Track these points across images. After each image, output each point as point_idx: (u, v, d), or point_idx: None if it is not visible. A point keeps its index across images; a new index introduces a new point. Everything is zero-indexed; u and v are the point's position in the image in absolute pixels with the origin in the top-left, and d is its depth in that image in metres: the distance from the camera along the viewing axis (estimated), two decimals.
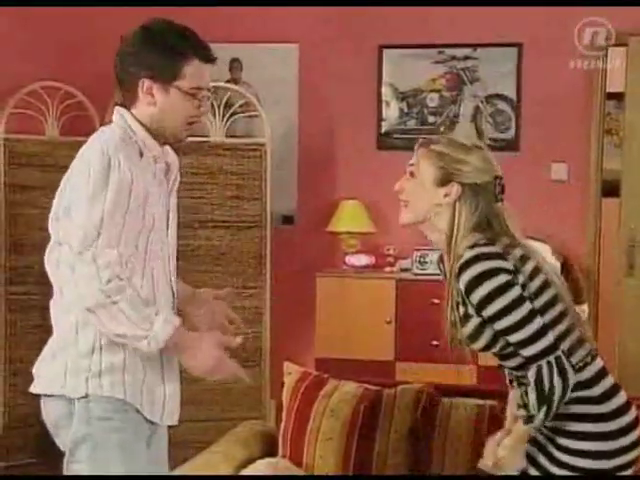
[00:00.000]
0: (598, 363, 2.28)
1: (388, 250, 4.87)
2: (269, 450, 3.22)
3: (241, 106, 4.63)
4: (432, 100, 4.95)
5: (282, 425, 3.23)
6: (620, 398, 2.28)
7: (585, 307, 4.48)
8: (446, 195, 2.27)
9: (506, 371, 2.36)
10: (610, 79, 4.80)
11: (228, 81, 4.97)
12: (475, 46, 4.84)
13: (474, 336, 2.24)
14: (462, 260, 2.19)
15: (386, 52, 4.97)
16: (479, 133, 4.86)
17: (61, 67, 4.76)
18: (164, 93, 2.33)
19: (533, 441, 2.27)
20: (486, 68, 4.86)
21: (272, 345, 4.59)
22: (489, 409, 3.01)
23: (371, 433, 3.08)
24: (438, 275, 2.46)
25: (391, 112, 5.01)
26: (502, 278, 2.16)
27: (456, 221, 2.26)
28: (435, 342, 3.87)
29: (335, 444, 3.09)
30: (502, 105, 4.87)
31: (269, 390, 4.53)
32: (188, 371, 2.30)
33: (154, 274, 2.35)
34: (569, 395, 2.17)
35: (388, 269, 4.85)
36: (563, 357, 2.17)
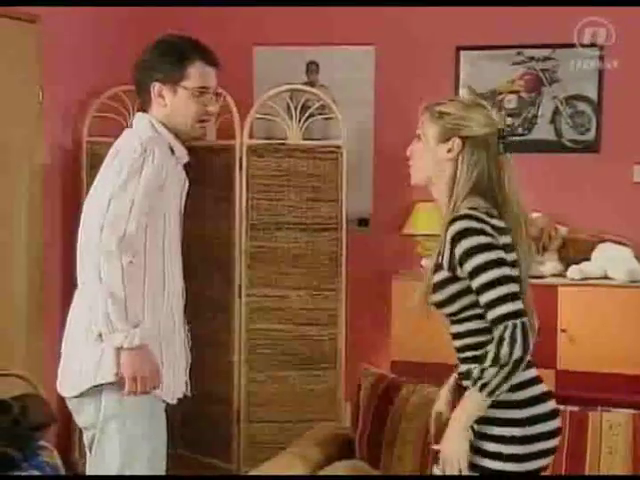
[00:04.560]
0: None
1: None
2: (346, 452, 3.22)
3: (317, 108, 4.64)
4: (510, 102, 4.89)
5: (359, 427, 3.23)
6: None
7: None
8: (449, 150, 2.34)
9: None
10: None
11: (305, 84, 4.99)
12: (555, 47, 4.77)
13: (438, 287, 2.32)
14: (456, 214, 2.29)
15: (463, 53, 4.93)
16: (558, 135, 4.79)
17: None
18: (173, 94, 2.58)
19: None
20: (566, 69, 4.78)
21: (347, 347, 4.58)
22: (569, 415, 2.96)
23: None
24: None
25: None
26: (484, 239, 2.23)
27: (458, 174, 2.33)
28: None
29: (412, 447, 3.09)
30: (582, 106, 4.78)
31: (344, 392, 4.53)
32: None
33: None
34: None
35: None
36: (527, 323, 2.15)
